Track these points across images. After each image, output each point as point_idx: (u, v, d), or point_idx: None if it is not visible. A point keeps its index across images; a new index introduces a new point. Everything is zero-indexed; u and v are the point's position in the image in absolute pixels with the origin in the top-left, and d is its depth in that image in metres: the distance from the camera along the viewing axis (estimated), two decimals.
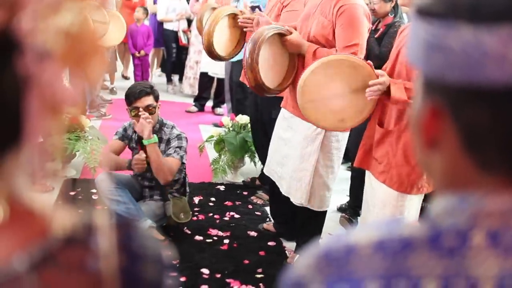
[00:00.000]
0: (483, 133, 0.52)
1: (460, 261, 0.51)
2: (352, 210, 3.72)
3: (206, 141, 4.46)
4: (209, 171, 4.32)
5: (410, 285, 0.52)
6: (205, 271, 2.91)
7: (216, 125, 5.36)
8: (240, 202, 3.92)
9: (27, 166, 0.51)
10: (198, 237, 3.31)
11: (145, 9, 7.33)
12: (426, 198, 2.36)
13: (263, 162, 4.11)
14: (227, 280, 2.84)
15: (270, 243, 3.32)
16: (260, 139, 3.92)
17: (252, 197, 4.01)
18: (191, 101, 6.79)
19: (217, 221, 3.58)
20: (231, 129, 4.39)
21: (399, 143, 2.25)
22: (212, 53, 3.38)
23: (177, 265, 2.89)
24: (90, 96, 5.79)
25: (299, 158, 2.89)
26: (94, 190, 3.69)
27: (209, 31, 3.29)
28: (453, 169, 0.55)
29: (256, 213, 3.78)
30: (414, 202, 2.30)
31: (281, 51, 2.84)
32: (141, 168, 3.14)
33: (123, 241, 0.53)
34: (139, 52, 7.10)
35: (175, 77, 7.75)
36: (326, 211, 3.05)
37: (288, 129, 3.00)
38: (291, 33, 2.79)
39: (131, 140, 3.28)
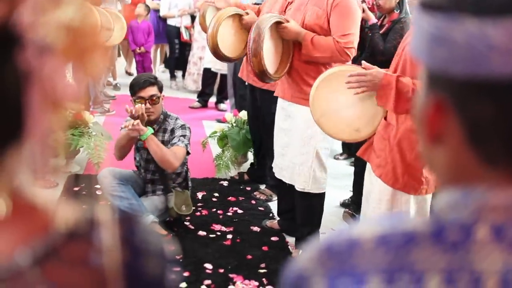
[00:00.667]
0: (487, 127, 0.52)
1: (463, 256, 0.51)
2: (355, 205, 3.71)
3: (209, 136, 4.46)
4: (212, 167, 4.33)
5: (413, 279, 0.51)
6: (208, 266, 2.92)
7: (219, 121, 5.36)
8: (243, 198, 3.93)
9: (30, 161, 0.51)
10: (201, 232, 3.32)
11: (147, 6, 7.33)
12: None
13: (258, 158, 4.14)
14: (230, 275, 2.85)
15: (273, 238, 3.32)
16: (258, 136, 3.95)
17: (255, 193, 4.01)
18: (194, 97, 6.79)
19: (221, 216, 3.59)
20: (234, 125, 4.39)
21: (396, 138, 2.24)
22: (218, 54, 3.38)
23: (181, 260, 2.89)
24: (93, 92, 5.80)
25: (300, 142, 2.96)
26: (98, 186, 3.69)
27: (213, 33, 3.28)
28: (456, 163, 0.55)
29: (259, 208, 3.79)
30: (410, 203, 2.25)
31: (276, 38, 2.93)
32: (142, 118, 3.07)
33: (126, 236, 0.53)
34: (139, 48, 7.10)
35: (179, 73, 7.75)
36: (323, 202, 3.10)
37: (287, 118, 3.06)
38: (288, 21, 2.88)
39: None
